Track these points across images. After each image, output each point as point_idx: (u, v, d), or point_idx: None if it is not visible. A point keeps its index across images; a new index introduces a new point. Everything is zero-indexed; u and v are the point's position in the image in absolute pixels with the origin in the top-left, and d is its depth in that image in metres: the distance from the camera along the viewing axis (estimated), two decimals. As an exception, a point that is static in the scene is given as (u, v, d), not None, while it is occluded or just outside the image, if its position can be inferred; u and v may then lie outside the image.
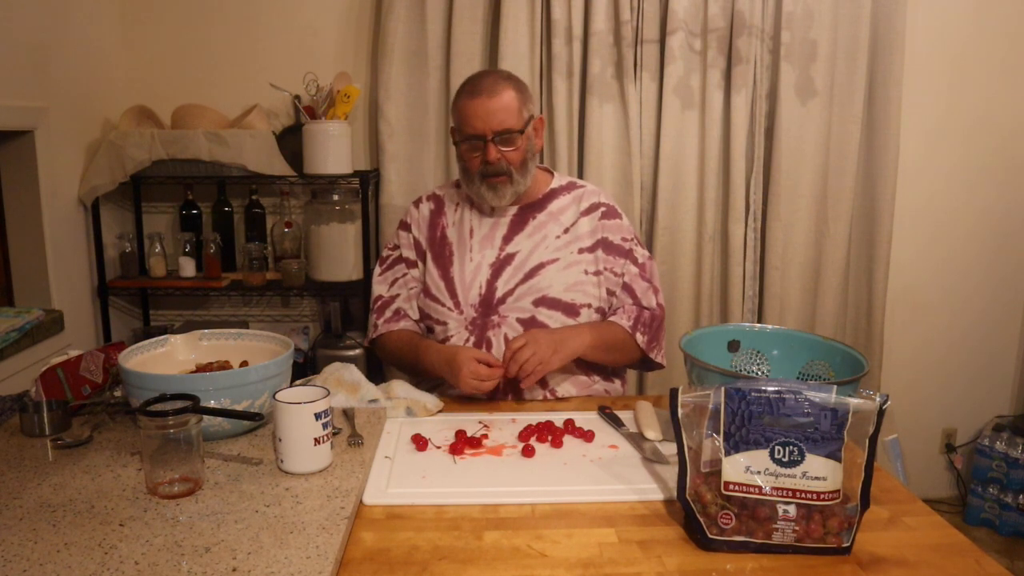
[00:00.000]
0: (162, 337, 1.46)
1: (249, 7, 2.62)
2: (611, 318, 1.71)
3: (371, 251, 2.54)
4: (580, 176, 2.58)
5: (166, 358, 1.44)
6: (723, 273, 2.67)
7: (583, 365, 1.70)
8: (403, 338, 1.74)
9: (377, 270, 1.83)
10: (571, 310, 1.68)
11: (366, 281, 2.45)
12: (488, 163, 1.62)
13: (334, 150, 2.42)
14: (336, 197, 2.52)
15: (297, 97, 2.51)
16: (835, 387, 1.03)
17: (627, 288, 1.72)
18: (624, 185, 2.58)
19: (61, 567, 0.93)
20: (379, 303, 1.79)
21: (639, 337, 1.69)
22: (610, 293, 1.73)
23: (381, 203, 2.60)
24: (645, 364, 1.79)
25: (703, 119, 2.56)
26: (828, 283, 2.66)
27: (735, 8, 2.49)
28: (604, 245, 1.72)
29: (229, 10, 2.62)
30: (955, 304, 2.91)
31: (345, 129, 2.45)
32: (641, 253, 1.76)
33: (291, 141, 2.53)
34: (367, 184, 2.47)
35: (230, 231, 2.65)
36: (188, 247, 2.54)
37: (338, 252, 2.53)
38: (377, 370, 2.51)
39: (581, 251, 1.71)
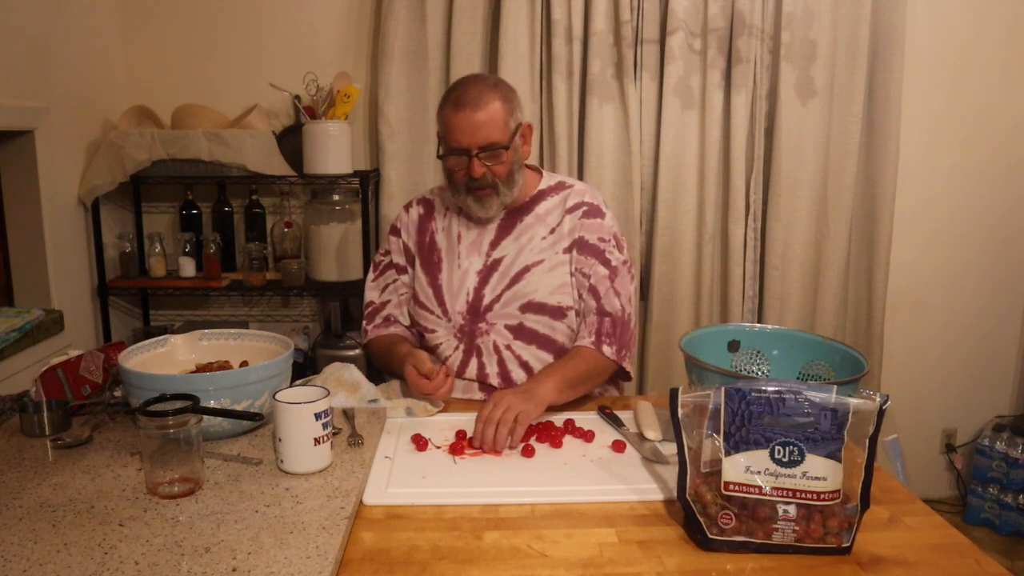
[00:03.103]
0: (162, 337, 1.46)
1: (249, 7, 2.62)
2: (576, 342, 1.62)
3: (371, 251, 2.54)
4: (580, 176, 2.57)
5: (166, 358, 1.44)
6: (723, 273, 2.67)
7: None
8: (384, 342, 1.74)
9: (370, 276, 1.83)
10: (558, 313, 1.63)
11: (366, 281, 2.45)
12: (473, 178, 1.58)
13: (334, 150, 2.42)
14: (336, 197, 2.52)
15: (297, 97, 2.51)
16: (835, 387, 1.03)
17: (592, 290, 1.63)
18: (624, 185, 2.58)
19: (61, 567, 0.93)
20: (370, 309, 1.80)
21: (606, 350, 1.60)
22: (580, 295, 1.66)
23: (381, 203, 2.60)
24: (618, 374, 1.68)
25: (703, 119, 2.56)
26: (828, 283, 2.66)
27: (735, 8, 2.49)
28: (579, 244, 1.65)
29: (229, 10, 2.62)
30: (955, 304, 2.91)
31: (345, 129, 2.45)
32: (616, 256, 1.66)
33: (291, 141, 2.53)
34: (367, 184, 2.47)
35: (230, 231, 2.65)
36: (188, 247, 2.54)
37: (338, 252, 2.53)
38: (377, 370, 2.50)
39: (565, 251, 1.66)
